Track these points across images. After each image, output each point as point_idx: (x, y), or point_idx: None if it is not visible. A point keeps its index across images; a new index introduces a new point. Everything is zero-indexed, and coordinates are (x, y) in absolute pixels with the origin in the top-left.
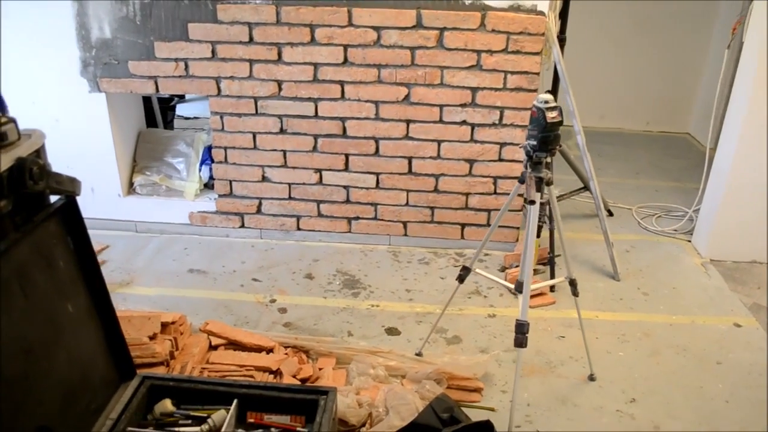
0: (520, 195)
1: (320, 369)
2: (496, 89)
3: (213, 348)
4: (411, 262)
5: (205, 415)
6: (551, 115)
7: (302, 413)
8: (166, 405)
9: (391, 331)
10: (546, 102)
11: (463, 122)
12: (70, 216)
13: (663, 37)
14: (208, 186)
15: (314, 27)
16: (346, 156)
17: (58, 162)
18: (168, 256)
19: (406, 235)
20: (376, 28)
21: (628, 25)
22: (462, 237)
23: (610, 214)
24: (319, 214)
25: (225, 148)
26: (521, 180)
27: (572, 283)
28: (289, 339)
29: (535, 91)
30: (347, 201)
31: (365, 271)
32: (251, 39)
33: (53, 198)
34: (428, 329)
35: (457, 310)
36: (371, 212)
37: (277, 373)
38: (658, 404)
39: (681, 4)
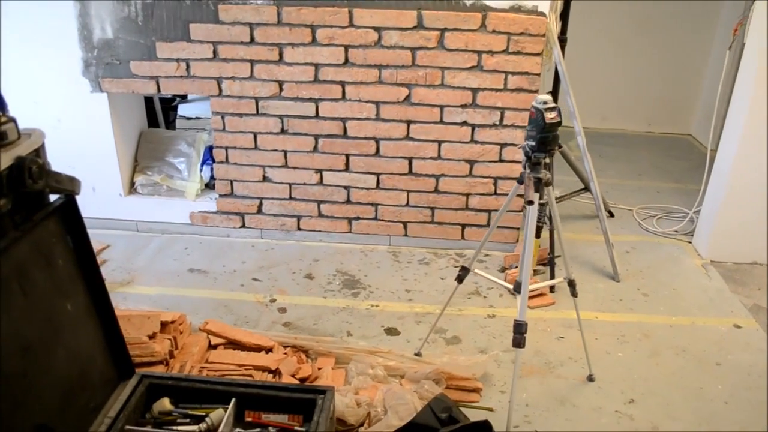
0: (520, 195)
1: (319, 369)
2: (497, 90)
3: (212, 347)
4: (411, 263)
5: (204, 413)
6: (550, 116)
7: (300, 412)
8: (165, 404)
9: (391, 331)
10: (545, 103)
11: (464, 123)
12: (70, 215)
13: (665, 38)
14: (209, 186)
15: (315, 27)
16: (347, 156)
17: (60, 161)
18: (169, 255)
19: (406, 235)
20: (377, 29)
21: (629, 26)
22: (462, 237)
23: (611, 215)
24: (320, 215)
25: (226, 148)
26: (520, 180)
27: (571, 284)
28: (288, 339)
29: (536, 91)
30: (348, 201)
31: (365, 272)
32: (252, 39)
33: (53, 197)
34: (428, 329)
35: (457, 310)
36: (371, 212)
37: (276, 372)
38: (657, 405)
39: (682, 5)
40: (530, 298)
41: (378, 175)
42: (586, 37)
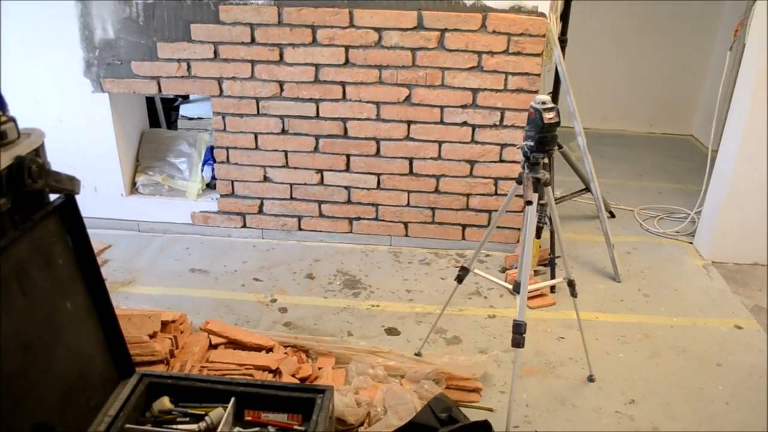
0: (519, 196)
1: (320, 368)
2: (497, 90)
3: (213, 347)
4: (412, 263)
5: (203, 412)
6: (548, 116)
7: (299, 411)
8: (165, 402)
9: (391, 331)
10: (543, 103)
11: (464, 123)
12: (69, 214)
13: (666, 39)
14: (211, 186)
15: (316, 28)
16: (348, 156)
17: (62, 161)
18: (170, 255)
19: (407, 235)
20: (377, 29)
21: (631, 27)
22: (463, 238)
23: (612, 215)
24: (321, 215)
25: (227, 149)
26: (519, 181)
27: (570, 284)
28: (288, 338)
29: (536, 92)
30: (348, 201)
31: (366, 272)
32: (253, 40)
33: (53, 197)
34: (428, 329)
35: (457, 310)
36: (372, 213)
37: (276, 372)
38: (657, 406)
39: (684, 5)
40: (531, 298)
41: (378, 175)
42: (587, 37)
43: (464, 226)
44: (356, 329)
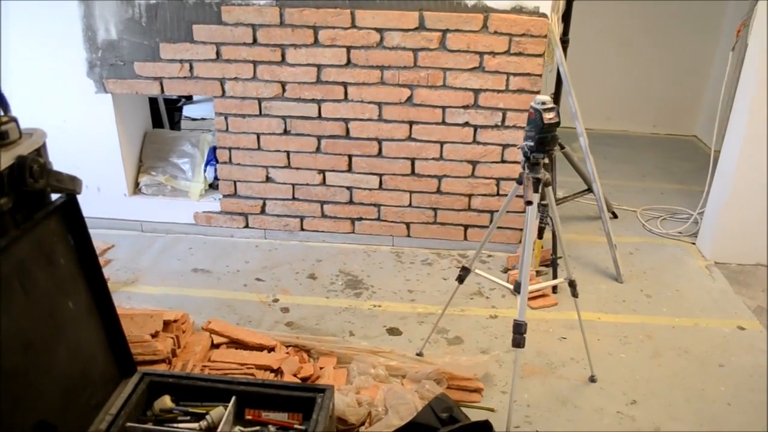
0: (520, 196)
1: (321, 368)
2: (499, 91)
3: (215, 346)
4: (414, 263)
5: (204, 411)
6: (548, 116)
7: (300, 411)
8: (166, 401)
9: (393, 332)
10: (543, 103)
11: (466, 124)
12: (71, 214)
13: (669, 39)
14: (213, 186)
15: (317, 29)
16: (350, 157)
17: (65, 161)
18: (173, 255)
19: (409, 236)
20: (379, 30)
21: (633, 27)
22: (465, 238)
23: (615, 216)
24: (323, 215)
25: (229, 149)
26: (519, 181)
27: (571, 284)
28: (290, 338)
29: (537, 92)
30: (350, 202)
31: (368, 272)
32: (255, 40)
33: (55, 196)
34: (430, 330)
35: (459, 310)
36: (374, 213)
37: (278, 371)
38: (659, 406)
39: (687, 5)
40: (533, 298)
41: (381, 175)
42: (589, 38)
43: (466, 227)
44: (358, 329)
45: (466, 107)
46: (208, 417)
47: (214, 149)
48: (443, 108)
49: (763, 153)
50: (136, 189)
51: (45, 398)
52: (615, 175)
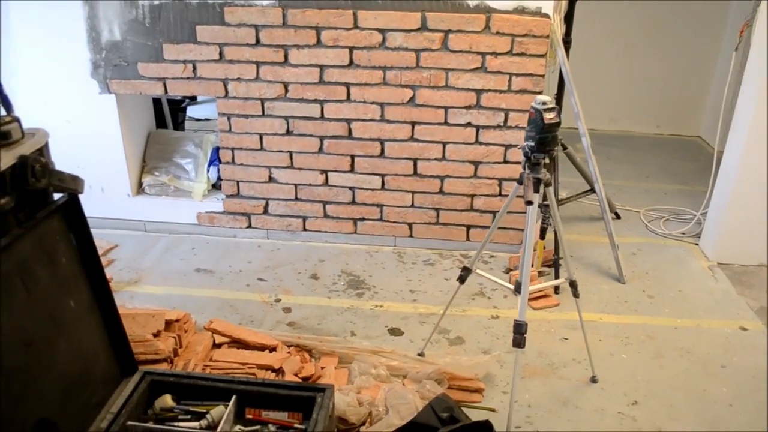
0: (520, 196)
1: (322, 368)
2: (501, 91)
3: (217, 346)
4: (416, 263)
5: (205, 410)
6: (549, 117)
7: (300, 410)
8: (166, 400)
9: (394, 332)
10: (543, 103)
11: (468, 124)
12: (73, 213)
13: (673, 39)
14: (216, 186)
15: (320, 29)
16: (352, 157)
17: (69, 162)
18: (176, 255)
19: (411, 236)
20: (382, 31)
21: (636, 27)
22: (467, 239)
23: (617, 216)
24: (325, 215)
25: (232, 149)
26: (520, 181)
27: (572, 284)
28: (292, 338)
29: (540, 93)
30: (353, 202)
31: (370, 272)
32: (258, 41)
33: (57, 196)
34: (431, 330)
35: (461, 311)
36: (377, 213)
37: (279, 371)
38: (660, 407)
39: (690, 6)
40: (534, 299)
41: (383, 176)
42: (593, 38)
43: (468, 227)
44: (359, 329)
45: (468, 108)
46: (208, 416)
47: (217, 149)
48: (445, 108)
49: (766, 153)
50: (140, 189)
51: (46, 396)
52: (618, 175)
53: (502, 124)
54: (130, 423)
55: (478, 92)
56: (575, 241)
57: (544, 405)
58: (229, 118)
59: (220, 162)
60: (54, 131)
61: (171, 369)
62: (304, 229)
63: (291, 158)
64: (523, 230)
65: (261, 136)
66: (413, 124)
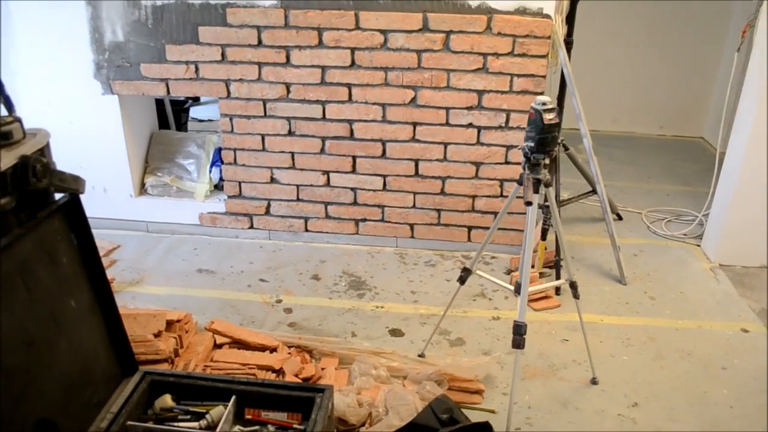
0: (520, 197)
1: (323, 369)
2: (503, 92)
3: (218, 346)
4: (417, 264)
5: (204, 410)
6: (548, 117)
7: (299, 410)
8: (166, 400)
9: (395, 333)
10: (543, 104)
11: (470, 125)
12: (74, 213)
13: (676, 40)
14: (218, 187)
15: (322, 30)
16: (354, 158)
17: (72, 162)
18: (178, 256)
19: (412, 237)
20: (383, 32)
21: (639, 28)
22: (469, 240)
23: (619, 218)
24: (327, 216)
25: (234, 150)
26: (520, 182)
27: (572, 285)
28: (292, 339)
29: (541, 94)
30: (354, 203)
31: (371, 273)
32: (260, 42)
33: (58, 196)
34: (432, 331)
35: (462, 312)
36: (378, 214)
37: (279, 372)
38: (660, 409)
39: (693, 6)
40: (535, 300)
41: (384, 176)
42: (595, 39)
43: (470, 228)
44: (360, 330)
45: (469, 108)
46: (208, 416)
47: (219, 150)
48: (447, 109)
49: None
50: (142, 190)
51: (46, 396)
52: (621, 176)
53: (503, 125)
54: (130, 423)
55: (480, 93)
56: (577, 242)
57: (544, 406)
58: (231, 119)
59: (222, 163)
60: (57, 132)
61: (171, 369)
62: (306, 230)
63: (293, 159)
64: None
65: (263, 136)
66: (415, 124)
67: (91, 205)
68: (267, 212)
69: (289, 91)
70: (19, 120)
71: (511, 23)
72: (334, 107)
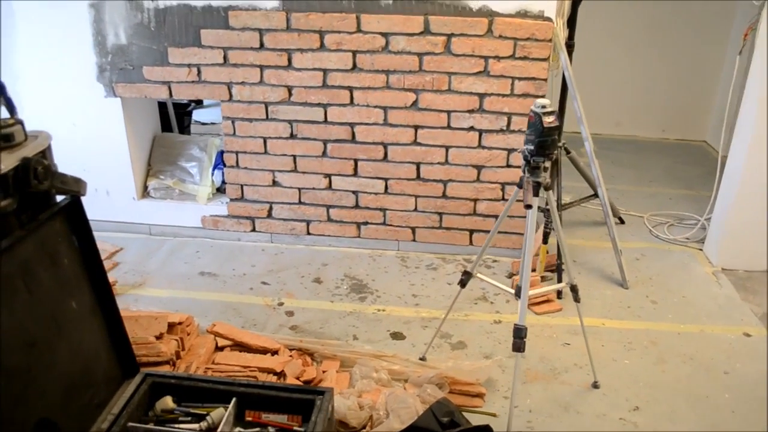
0: (520, 200)
1: (324, 372)
2: (504, 95)
3: (219, 349)
4: (419, 268)
5: (205, 412)
6: (548, 120)
7: (299, 413)
8: (167, 402)
9: (396, 336)
10: (543, 107)
11: (471, 128)
12: (75, 215)
13: (678, 43)
14: (221, 190)
15: (323, 33)
16: (355, 161)
17: (75, 165)
18: (180, 258)
19: (414, 240)
20: (385, 35)
21: (641, 31)
22: (470, 243)
23: (621, 221)
24: (329, 219)
25: (236, 153)
26: (520, 185)
27: (573, 289)
28: (294, 341)
29: (543, 97)
30: (356, 206)
31: (373, 276)
32: (262, 45)
33: (59, 198)
34: (433, 334)
35: (463, 315)
36: (380, 217)
37: (281, 374)
38: (662, 413)
39: (696, 8)
40: (537, 304)
41: (386, 180)
42: (597, 42)
43: (471, 231)
44: (362, 333)
45: (471, 111)
46: (208, 418)
47: (221, 153)
48: (448, 112)
49: None
50: (145, 192)
51: (47, 397)
52: (623, 180)
53: (504, 128)
54: (130, 424)
55: (481, 96)
56: (578, 245)
57: (545, 410)
58: (233, 122)
59: (224, 166)
60: (60, 134)
61: (173, 371)
62: (308, 233)
63: (295, 162)
64: None
65: (265, 139)
66: (416, 127)
67: (94, 207)
68: (269, 215)
69: (290, 94)
70: (20, 122)
71: (513, 26)
72: (335, 110)
